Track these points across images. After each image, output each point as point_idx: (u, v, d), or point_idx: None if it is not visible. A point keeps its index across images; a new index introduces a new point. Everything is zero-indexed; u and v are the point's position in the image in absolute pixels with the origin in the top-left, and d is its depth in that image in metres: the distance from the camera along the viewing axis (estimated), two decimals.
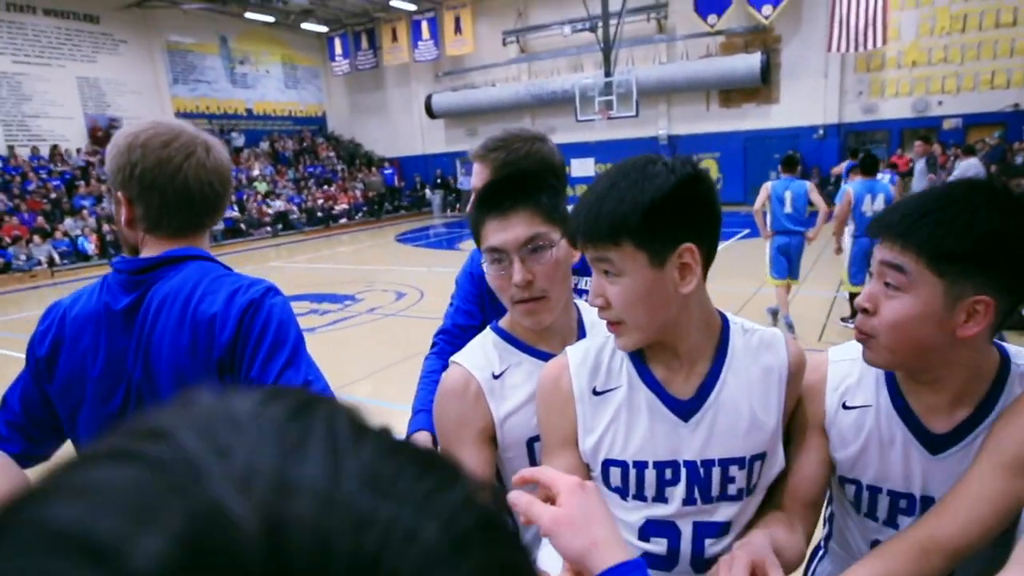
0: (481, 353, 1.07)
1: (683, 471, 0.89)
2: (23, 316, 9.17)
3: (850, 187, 5.44)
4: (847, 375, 0.96)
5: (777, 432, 0.91)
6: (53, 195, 14.56)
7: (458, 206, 21.38)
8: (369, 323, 6.92)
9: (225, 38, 19.89)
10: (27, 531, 0.15)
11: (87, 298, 1.07)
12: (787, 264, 5.49)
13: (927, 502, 0.90)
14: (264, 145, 20.95)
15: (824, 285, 7.09)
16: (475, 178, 1.44)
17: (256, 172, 19.30)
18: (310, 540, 0.14)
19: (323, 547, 0.14)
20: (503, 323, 1.11)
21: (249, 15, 19.20)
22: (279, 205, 18.42)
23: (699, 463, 0.88)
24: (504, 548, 0.18)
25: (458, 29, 19.39)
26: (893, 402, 0.91)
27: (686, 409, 0.89)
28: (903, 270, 0.81)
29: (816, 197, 5.51)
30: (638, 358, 0.92)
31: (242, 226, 16.99)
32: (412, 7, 19.41)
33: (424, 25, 19.75)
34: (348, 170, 21.48)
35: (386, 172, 21.92)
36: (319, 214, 18.38)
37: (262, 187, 18.72)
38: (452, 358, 1.09)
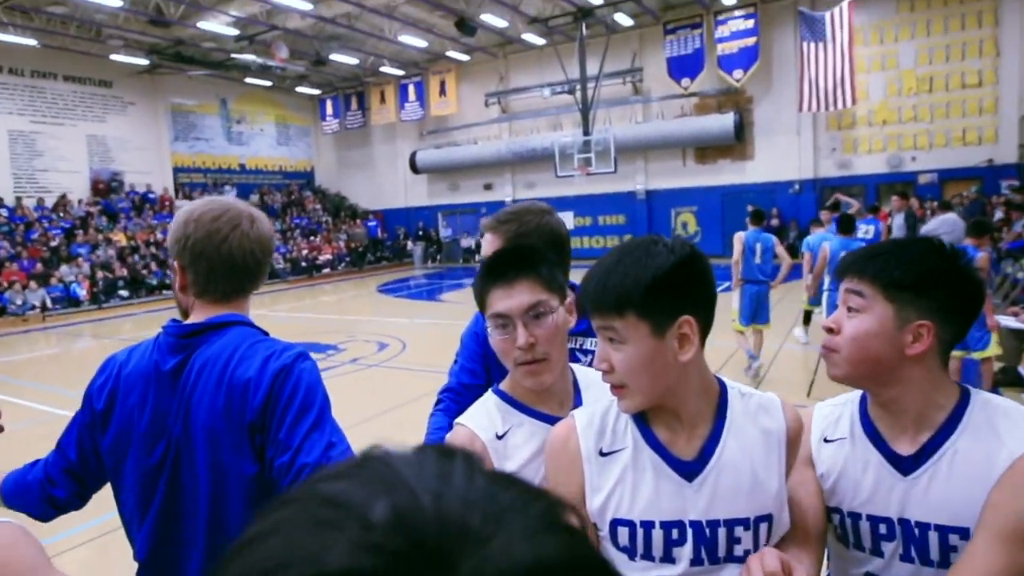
0: (484, 415, 1.12)
1: (689, 531, 0.90)
2: (13, 359, 9.45)
3: (827, 244, 6.04)
4: (829, 416, 1.08)
5: (782, 494, 0.93)
6: (54, 243, 15.17)
7: (439, 257, 21.92)
8: (352, 373, 6.99)
9: (225, 100, 21.05)
10: (309, 496, 0.26)
11: (140, 356, 1.16)
12: (754, 311, 5.98)
13: (905, 525, 0.95)
14: (254, 197, 21.56)
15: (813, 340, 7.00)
16: (487, 247, 1.53)
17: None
18: (458, 517, 0.24)
19: (462, 522, 0.24)
20: (504, 386, 1.15)
21: (249, 80, 20.41)
22: None
23: (705, 523, 0.90)
24: (575, 543, 0.25)
25: (443, 91, 20.47)
26: (864, 429, 1.01)
27: (689, 470, 0.91)
28: (862, 295, 0.96)
29: (781, 250, 6.08)
30: (642, 420, 0.96)
31: None
32: (400, 72, 20.53)
33: (411, 88, 20.83)
34: (333, 222, 22.15)
35: (370, 224, 22.53)
36: (303, 264, 18.84)
37: None
38: (457, 420, 1.14)
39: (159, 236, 17.32)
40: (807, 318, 7.23)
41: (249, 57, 17.50)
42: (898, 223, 8.25)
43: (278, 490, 1.03)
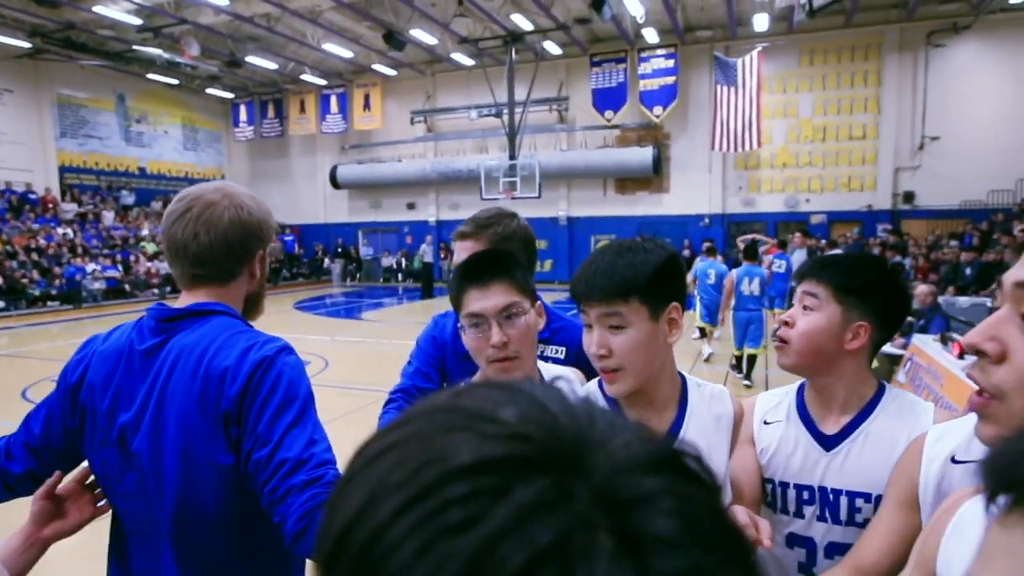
0: None
1: None
2: None
3: (734, 272, 6.92)
4: (769, 402, 1.26)
5: (727, 473, 1.10)
6: None
7: (359, 276, 21.05)
8: None
9: (123, 96, 19.29)
10: (442, 407, 0.27)
11: (118, 335, 1.15)
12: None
13: (823, 492, 1.14)
14: (156, 205, 19.87)
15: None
16: (465, 254, 1.51)
17: (145, 232, 18.20)
18: (584, 419, 0.26)
19: (588, 423, 0.26)
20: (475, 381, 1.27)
21: (152, 76, 18.81)
22: (167, 267, 17.29)
23: None
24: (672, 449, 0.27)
25: (367, 106, 19.94)
26: (799, 413, 1.20)
27: None
28: (817, 296, 1.13)
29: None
30: (616, 406, 1.06)
31: (126, 287, 15.69)
32: (323, 82, 19.80)
33: (333, 99, 20.14)
34: None
35: (286, 239, 21.40)
36: None
37: (151, 248, 17.62)
38: None
39: (41, 241, 15.51)
40: (703, 333, 8.07)
41: (154, 51, 16.08)
42: (800, 258, 9.04)
43: (254, 485, 0.99)
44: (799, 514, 1.16)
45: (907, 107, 15.68)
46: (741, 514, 0.93)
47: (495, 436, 0.24)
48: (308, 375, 1.06)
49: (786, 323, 1.15)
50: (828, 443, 1.14)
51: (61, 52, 16.33)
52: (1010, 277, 0.66)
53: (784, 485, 1.17)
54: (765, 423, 1.22)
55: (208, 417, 1.01)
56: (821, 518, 1.13)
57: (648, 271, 0.99)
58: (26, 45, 15.76)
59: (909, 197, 15.83)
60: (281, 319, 13.14)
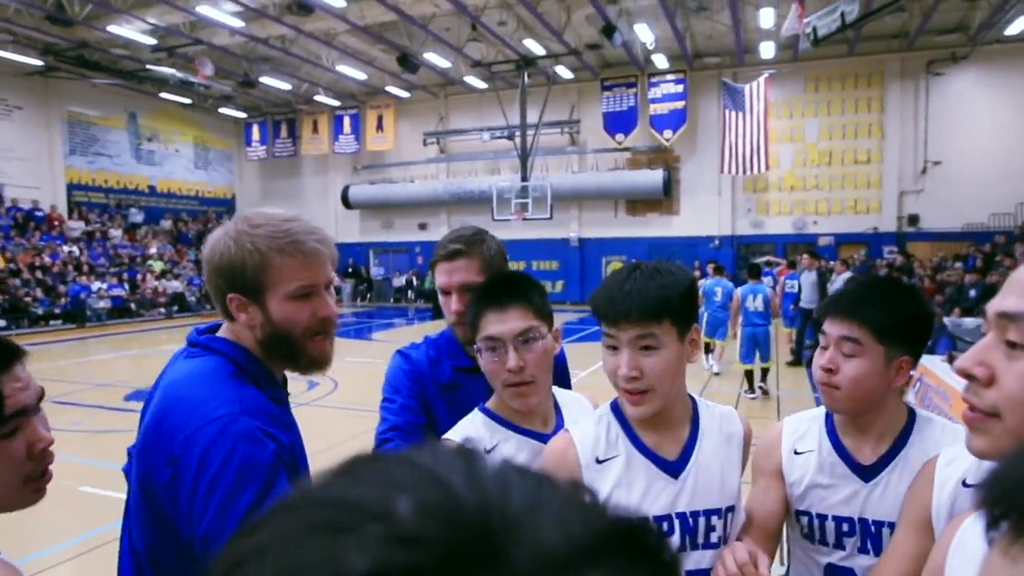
0: (472, 430, 1.18)
1: (676, 523, 1.04)
2: None
3: (738, 290, 7.27)
4: (797, 430, 1.23)
5: (740, 488, 1.09)
6: None
7: (369, 296, 21.05)
8: None
9: (134, 114, 19.33)
10: (314, 501, 0.21)
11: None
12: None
13: (864, 524, 1.12)
14: (166, 223, 19.89)
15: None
16: (459, 274, 1.40)
17: (154, 250, 18.16)
18: (497, 501, 0.20)
19: (503, 505, 0.20)
20: (490, 405, 1.23)
21: (165, 95, 18.87)
22: (176, 285, 17.24)
23: (688, 514, 1.04)
24: (618, 515, 0.22)
25: (380, 127, 20.10)
26: (831, 443, 1.18)
27: (675, 468, 1.06)
28: (859, 341, 1.09)
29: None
30: (630, 430, 1.08)
31: (132, 306, 15.61)
32: (336, 103, 19.99)
33: (346, 120, 20.30)
34: None
35: None
36: None
37: (158, 266, 17.56)
38: (445, 436, 1.18)
39: (46, 259, 15.42)
40: (707, 348, 8.32)
41: (167, 70, 16.12)
42: (810, 279, 9.14)
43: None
44: (839, 545, 1.14)
45: (909, 132, 16.06)
46: (740, 550, 0.95)
47: (382, 540, 0.19)
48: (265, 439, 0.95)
49: (829, 370, 1.11)
50: (866, 474, 1.13)
51: (72, 69, 16.33)
52: (993, 307, 0.70)
53: (822, 517, 1.15)
54: (796, 452, 1.20)
55: (159, 461, 0.96)
56: (863, 550, 1.11)
57: (680, 292, 1.00)
58: (38, 63, 15.77)
59: (914, 220, 16.15)
60: None
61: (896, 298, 1.11)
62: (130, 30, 13.98)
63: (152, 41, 14.66)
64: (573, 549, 0.19)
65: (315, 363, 1.10)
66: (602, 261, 18.71)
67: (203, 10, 12.83)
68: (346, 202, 20.72)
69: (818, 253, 13.81)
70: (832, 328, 1.12)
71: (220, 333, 1.10)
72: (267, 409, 1.00)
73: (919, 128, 16.00)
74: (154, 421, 0.98)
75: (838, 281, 8.86)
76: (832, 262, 13.12)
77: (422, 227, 20.50)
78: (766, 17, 13.44)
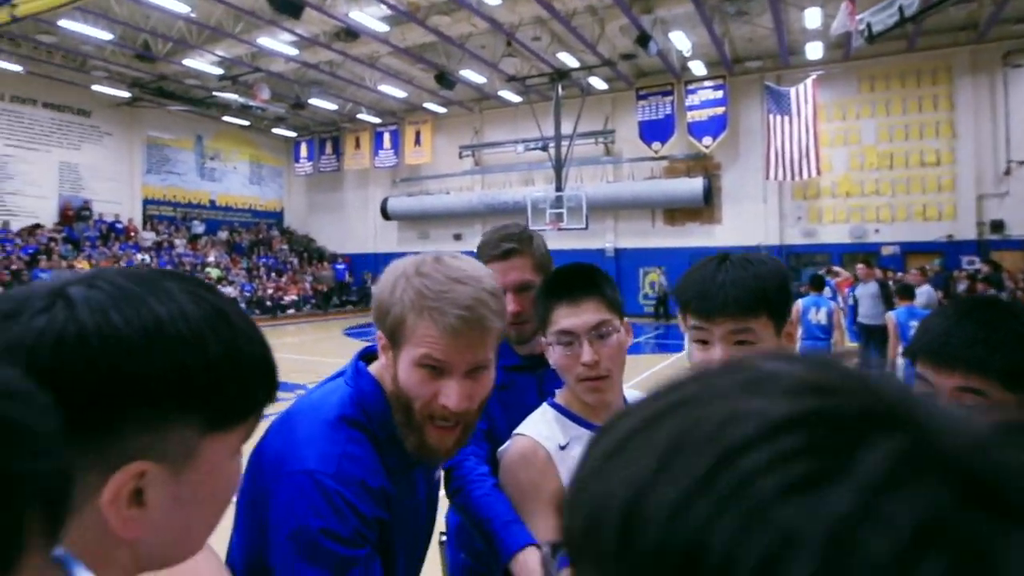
0: (545, 426, 1.15)
1: None
2: None
3: (800, 301, 6.66)
4: None
5: None
6: (14, 266, 14.70)
7: None
8: None
9: (201, 137, 21.06)
10: (737, 370, 0.23)
11: None
12: None
13: None
14: (223, 234, 21.27)
15: None
16: (514, 273, 1.40)
17: (211, 259, 19.49)
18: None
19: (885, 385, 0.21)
20: (560, 400, 1.19)
21: (227, 118, 20.56)
22: (230, 291, 18.38)
23: None
24: None
25: (418, 141, 20.71)
26: None
27: None
28: (985, 395, 0.88)
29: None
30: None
31: None
32: (377, 120, 20.75)
33: (386, 136, 21.05)
34: (300, 263, 21.83)
35: (337, 267, 22.29)
36: (268, 303, 18.52)
37: (215, 273, 18.90)
38: (516, 431, 1.15)
39: (124, 265, 16.99)
40: None
41: (231, 96, 17.66)
42: (871, 291, 8.05)
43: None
44: None
45: (986, 131, 14.61)
46: None
47: (800, 391, 0.20)
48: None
49: None
50: None
51: (153, 99, 18.31)
52: None
53: None
54: None
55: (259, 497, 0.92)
56: None
57: (776, 284, 0.95)
58: (126, 94, 17.85)
59: (998, 226, 14.44)
60: (330, 344, 13.67)
61: (1014, 336, 0.88)
62: (201, 62, 15.59)
63: (219, 71, 16.19)
64: (982, 429, 0.19)
65: (425, 449, 0.95)
66: (639, 272, 18.19)
67: (264, 41, 14.15)
68: (385, 214, 21.42)
69: (882, 263, 12.69)
70: (943, 379, 0.90)
71: (374, 365, 1.02)
72: (363, 477, 0.90)
73: (998, 125, 14.47)
74: (272, 430, 0.96)
75: (921, 295, 7.47)
76: (899, 273, 11.90)
77: (457, 237, 20.82)
78: (812, 17, 12.70)
